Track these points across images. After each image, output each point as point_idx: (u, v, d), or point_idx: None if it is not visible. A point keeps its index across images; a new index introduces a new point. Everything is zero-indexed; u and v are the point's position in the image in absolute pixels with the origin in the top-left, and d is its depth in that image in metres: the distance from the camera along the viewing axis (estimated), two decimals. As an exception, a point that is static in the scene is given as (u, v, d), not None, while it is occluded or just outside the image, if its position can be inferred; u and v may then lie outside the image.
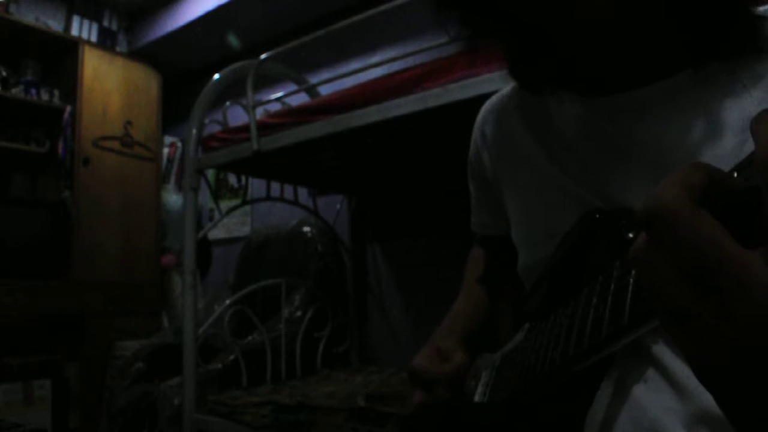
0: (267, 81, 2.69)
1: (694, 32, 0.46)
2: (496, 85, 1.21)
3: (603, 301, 0.36)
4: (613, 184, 0.49)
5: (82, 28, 3.19)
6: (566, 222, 0.50)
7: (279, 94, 2.18)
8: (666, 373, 0.44)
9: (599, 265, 0.39)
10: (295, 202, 2.53)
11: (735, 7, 0.45)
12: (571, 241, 0.48)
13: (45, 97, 3.04)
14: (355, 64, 2.50)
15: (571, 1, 0.44)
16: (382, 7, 1.61)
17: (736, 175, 0.24)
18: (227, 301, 2.22)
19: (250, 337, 2.26)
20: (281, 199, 2.47)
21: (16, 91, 2.96)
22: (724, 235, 0.22)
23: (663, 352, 0.45)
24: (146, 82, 3.36)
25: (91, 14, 3.25)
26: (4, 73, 2.95)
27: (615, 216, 0.45)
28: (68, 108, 2.98)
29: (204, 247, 3.12)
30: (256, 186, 2.61)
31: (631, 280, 0.33)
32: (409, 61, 1.63)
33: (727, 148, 0.43)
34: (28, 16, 3.00)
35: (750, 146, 0.24)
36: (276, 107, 2.20)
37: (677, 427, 0.42)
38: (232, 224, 3.13)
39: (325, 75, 2.56)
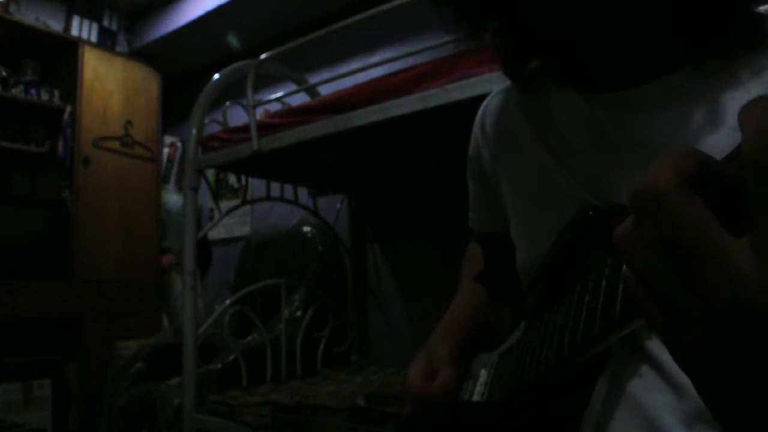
0: (267, 81, 2.69)
1: (693, 30, 0.46)
2: (495, 85, 1.20)
3: (595, 297, 0.36)
4: (609, 181, 0.49)
5: (82, 28, 3.19)
6: (563, 219, 0.50)
7: (279, 94, 2.18)
8: (661, 369, 0.44)
9: (592, 262, 0.39)
10: (295, 202, 2.53)
11: (734, 5, 0.45)
12: (565, 238, 0.49)
13: (45, 97, 3.04)
14: (355, 64, 2.50)
15: (572, 2, 0.44)
16: (382, 7, 1.61)
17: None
18: (227, 301, 2.22)
19: (250, 337, 2.26)
20: (281, 199, 2.47)
21: (16, 91, 2.97)
22: (710, 219, 0.21)
23: (658, 348, 0.45)
24: (146, 82, 3.36)
25: (91, 14, 3.25)
26: (4, 73, 2.95)
27: (607, 213, 0.45)
28: (68, 108, 2.98)
29: (204, 247, 3.12)
30: (256, 186, 2.61)
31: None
32: (409, 61, 1.63)
33: (724, 145, 0.43)
34: (28, 16, 3.00)
35: None
36: (276, 107, 2.20)
37: (675, 424, 0.42)
38: (232, 224, 3.13)
39: (325, 75, 2.56)
